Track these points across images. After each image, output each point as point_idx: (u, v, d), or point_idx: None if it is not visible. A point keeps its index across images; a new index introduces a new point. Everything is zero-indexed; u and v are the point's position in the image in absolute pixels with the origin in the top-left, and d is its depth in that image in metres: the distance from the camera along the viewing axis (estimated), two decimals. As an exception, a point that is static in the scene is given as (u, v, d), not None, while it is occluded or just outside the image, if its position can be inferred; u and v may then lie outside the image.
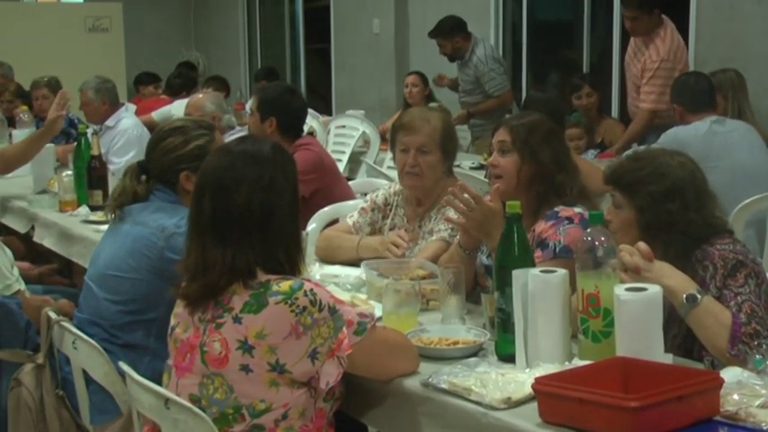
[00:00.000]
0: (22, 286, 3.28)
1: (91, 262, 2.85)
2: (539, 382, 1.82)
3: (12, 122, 6.14)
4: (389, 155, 6.23)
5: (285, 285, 2.01)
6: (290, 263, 2.08)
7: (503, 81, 6.94)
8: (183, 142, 2.79)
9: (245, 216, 2.04)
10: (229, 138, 3.87)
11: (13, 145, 5.20)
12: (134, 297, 2.65)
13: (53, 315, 2.57)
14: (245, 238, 2.04)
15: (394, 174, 5.12)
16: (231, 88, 8.70)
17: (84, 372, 2.43)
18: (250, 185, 2.05)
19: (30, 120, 5.91)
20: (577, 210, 2.69)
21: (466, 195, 2.56)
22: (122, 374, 2.17)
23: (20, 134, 5.48)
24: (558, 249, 2.60)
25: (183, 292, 2.11)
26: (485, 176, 3.58)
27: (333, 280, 2.87)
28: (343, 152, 6.70)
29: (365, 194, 4.23)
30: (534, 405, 1.86)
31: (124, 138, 5.67)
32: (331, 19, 9.66)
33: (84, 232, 3.88)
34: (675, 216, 2.28)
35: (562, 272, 2.14)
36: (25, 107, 6.08)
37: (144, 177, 2.80)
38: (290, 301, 1.99)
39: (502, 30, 8.10)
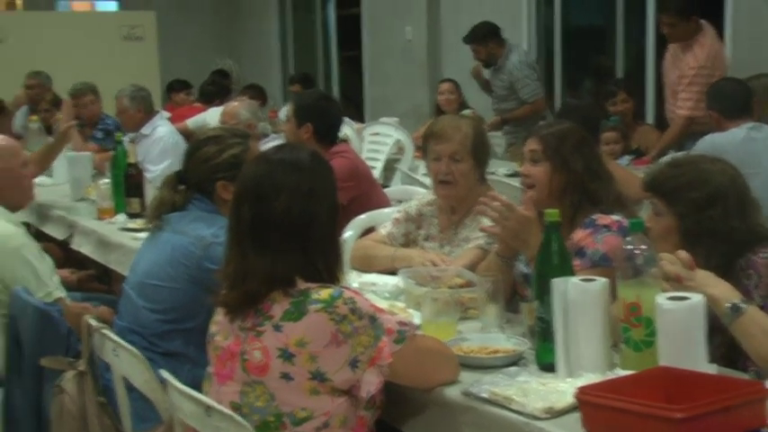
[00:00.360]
0: (63, 293, 3.31)
1: (130, 270, 2.88)
2: (582, 391, 1.81)
3: (49, 131, 6.20)
4: (424, 162, 6.23)
5: (325, 293, 2.02)
6: (330, 271, 2.09)
7: (536, 87, 6.92)
8: (218, 151, 2.81)
9: (285, 224, 2.05)
10: (264, 145, 3.91)
11: (32, 154, 5.27)
12: (173, 306, 2.67)
13: (94, 323, 2.59)
14: (285, 246, 2.04)
15: (428, 181, 5.13)
16: (268, 96, 8.73)
17: (125, 379, 2.45)
18: (289, 194, 2.06)
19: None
20: (615, 217, 2.67)
21: (497, 204, 2.55)
22: (163, 382, 2.19)
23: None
24: (595, 258, 2.58)
25: (223, 300, 2.13)
26: (521, 184, 3.57)
27: (370, 288, 2.87)
28: (378, 159, 6.71)
29: (399, 202, 4.25)
30: (576, 415, 1.85)
31: (160, 146, 5.71)
32: (363, 26, 9.68)
33: (122, 240, 3.91)
34: (717, 223, 2.26)
35: (602, 281, 2.12)
36: (59, 115, 6.14)
37: (182, 187, 2.82)
38: (329, 309, 1.99)
39: (535, 35, 8.08)
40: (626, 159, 5.45)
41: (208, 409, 1.99)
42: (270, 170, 2.11)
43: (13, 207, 3.47)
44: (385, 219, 3.56)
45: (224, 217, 2.66)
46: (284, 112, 8.52)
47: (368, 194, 4.13)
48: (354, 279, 2.98)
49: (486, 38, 6.90)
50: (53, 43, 9.41)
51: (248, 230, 2.08)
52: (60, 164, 5.41)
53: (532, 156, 2.77)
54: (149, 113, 5.91)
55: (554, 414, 1.89)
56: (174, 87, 9.04)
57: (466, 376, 2.15)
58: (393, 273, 3.02)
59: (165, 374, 2.12)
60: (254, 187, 2.10)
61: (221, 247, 2.32)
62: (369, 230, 3.68)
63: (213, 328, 2.19)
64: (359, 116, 9.21)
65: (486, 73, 7.17)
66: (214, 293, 2.18)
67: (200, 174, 2.80)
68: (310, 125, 4.19)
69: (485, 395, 2.01)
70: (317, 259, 2.07)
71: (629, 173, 4.12)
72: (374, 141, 7.07)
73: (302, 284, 2.05)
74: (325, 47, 10.85)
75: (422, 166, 6.25)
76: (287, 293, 2.03)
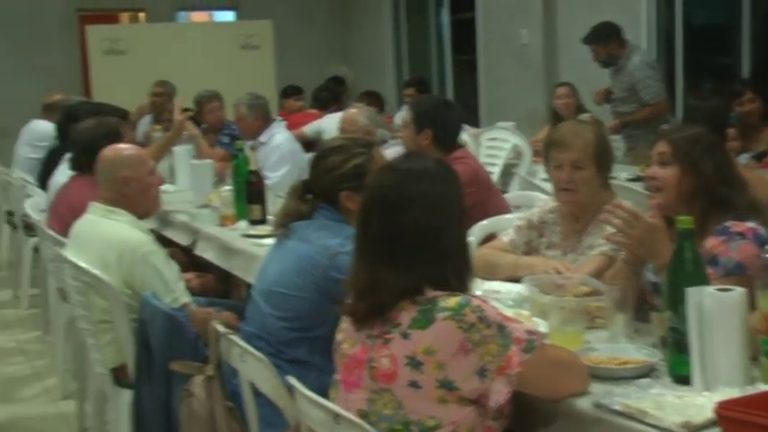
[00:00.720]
0: (189, 299, 3.39)
1: (258, 277, 2.92)
2: (723, 407, 1.75)
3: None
4: (542, 167, 6.16)
5: (452, 301, 2.01)
6: (460, 279, 2.08)
7: (659, 88, 6.76)
8: (342, 161, 2.83)
9: (416, 235, 2.05)
10: (384, 152, 3.92)
11: (151, 148, 5.46)
12: (299, 314, 2.70)
13: (220, 328, 2.64)
14: (415, 257, 2.04)
15: (548, 186, 5.07)
16: (384, 102, 8.77)
17: (252, 385, 2.49)
18: (419, 204, 2.06)
19: (188, 137, 6.11)
20: (749, 224, 2.58)
21: (622, 212, 2.49)
22: (290, 389, 2.21)
23: (180, 151, 5.68)
24: (730, 266, 2.50)
25: (350, 309, 2.14)
26: (645, 188, 3.49)
27: (494, 296, 2.84)
28: (495, 165, 6.67)
29: (519, 207, 4.21)
30: (715, 431, 1.79)
31: (278, 153, 5.79)
32: (477, 30, 9.64)
33: (244, 246, 3.98)
34: None
35: (740, 290, 2.05)
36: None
37: (309, 196, 2.85)
38: (457, 318, 1.98)
39: (655, 36, 7.90)
40: (743, 158, 5.26)
41: (336, 416, 2.00)
42: (398, 180, 2.11)
43: (142, 215, 3.58)
44: (506, 225, 3.53)
45: (350, 226, 2.68)
46: (399, 117, 8.59)
47: (488, 200, 4.10)
48: (477, 287, 2.95)
49: (607, 38, 6.78)
50: (173, 53, 9.68)
51: (378, 241, 2.08)
52: (183, 171, 5.56)
53: (661, 158, 2.69)
54: (267, 121, 6.00)
55: (692, 429, 1.83)
56: (286, 93, 9.14)
57: (596, 387, 2.11)
58: (515, 280, 2.99)
59: (293, 381, 2.14)
60: (383, 198, 2.10)
61: (347, 257, 2.33)
62: (489, 237, 3.66)
63: (340, 336, 2.20)
64: (473, 121, 9.17)
65: (602, 81, 7.05)
66: (340, 303, 2.19)
67: (325, 183, 2.83)
68: (429, 131, 4.19)
69: (617, 407, 1.97)
70: (448, 268, 2.06)
71: (761, 177, 3.98)
72: (491, 146, 7.03)
73: (430, 293, 2.04)
74: (439, 51, 10.84)
75: (540, 171, 6.18)
76: (414, 301, 2.03)
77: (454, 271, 2.07)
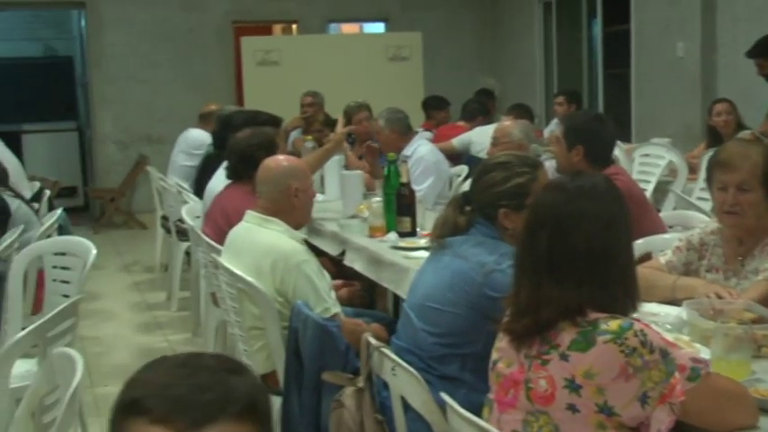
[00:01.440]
0: (339, 309, 3.43)
1: (410, 290, 2.93)
2: None
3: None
4: (698, 185, 5.96)
5: (614, 324, 1.96)
6: (626, 302, 2.04)
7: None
8: (504, 179, 2.80)
9: (586, 255, 2.02)
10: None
11: (307, 157, 5.52)
12: (451, 331, 2.69)
13: (372, 341, 2.65)
14: (583, 277, 2.01)
15: (704, 205, 4.91)
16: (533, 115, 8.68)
17: (403, 399, 2.49)
18: (590, 223, 2.03)
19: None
20: None
21: None
22: (441, 404, 2.20)
23: (331, 161, 5.75)
24: None
25: (509, 327, 2.11)
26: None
27: (651, 318, 2.75)
28: (649, 182, 6.49)
29: (674, 227, 4.07)
30: None
31: (421, 165, 5.78)
32: (631, 42, 9.44)
33: (394, 258, 4.00)
34: None
35: None
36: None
37: (467, 209, 2.84)
38: (619, 341, 1.93)
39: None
40: None
41: (490, 436, 1.98)
42: (568, 199, 2.08)
43: (297, 225, 3.65)
44: (662, 245, 3.43)
45: (506, 244, 2.66)
46: (549, 130, 8.49)
47: (642, 219, 3.98)
48: (634, 308, 2.87)
49: (774, 52, 6.52)
50: (324, 64, 9.86)
51: (545, 260, 2.06)
52: (333, 181, 5.64)
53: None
54: (405, 135, 5.94)
55: None
56: (431, 104, 9.13)
57: (764, 422, 2.01)
58: (673, 303, 2.89)
59: (446, 398, 2.13)
60: (553, 216, 2.08)
61: (502, 275, 2.30)
62: (644, 257, 3.55)
63: (495, 355, 2.18)
64: (625, 136, 8.97)
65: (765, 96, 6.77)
66: (495, 320, 2.17)
67: (485, 199, 2.81)
68: (581, 147, 4.10)
69: (788, 444, 1.87)
70: (616, 289, 2.03)
71: None
72: (645, 163, 6.85)
73: (592, 314, 2.00)
74: (590, 64, 10.67)
75: (696, 189, 6.00)
76: (575, 323, 2.00)
77: (624, 292, 2.04)
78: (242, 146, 4.47)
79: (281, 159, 3.78)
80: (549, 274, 2.04)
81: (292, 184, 3.63)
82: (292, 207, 3.61)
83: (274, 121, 5.23)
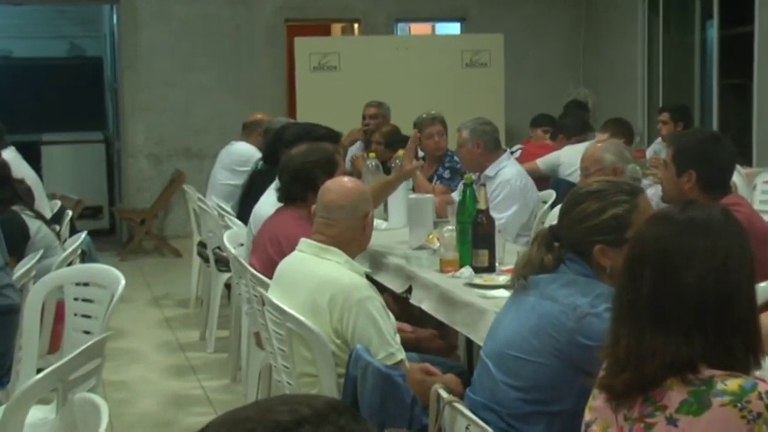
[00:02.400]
0: (404, 355, 3.43)
1: (489, 336, 2.92)
2: None
3: (385, 167, 6.47)
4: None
5: (733, 384, 1.94)
6: (748, 357, 2.00)
7: None
8: (599, 210, 2.79)
9: (697, 299, 2.00)
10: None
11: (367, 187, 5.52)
12: (537, 384, 2.69)
13: (444, 393, 2.65)
14: (694, 324, 1.99)
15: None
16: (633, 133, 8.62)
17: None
18: (703, 261, 2.01)
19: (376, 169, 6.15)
20: None
21: None
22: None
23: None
24: None
25: (606, 383, 2.10)
26: None
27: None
28: (773, 213, 6.40)
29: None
30: None
31: (506, 190, 5.76)
32: (755, 47, 9.32)
33: (469, 297, 3.99)
34: None
35: None
36: (401, 152, 6.33)
37: (556, 244, 2.83)
38: (740, 405, 1.91)
39: None
40: None
41: None
42: (677, 232, 2.07)
43: (354, 255, 3.67)
44: (790, 289, 3.37)
45: (602, 284, 2.64)
46: (652, 150, 8.41)
47: (766, 257, 3.92)
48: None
49: None
50: (390, 71, 9.93)
51: (648, 303, 2.04)
52: (398, 206, 5.65)
53: None
54: (492, 152, 5.91)
55: None
56: (537, 122, 9.09)
57: None
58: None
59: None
60: (658, 253, 2.06)
61: (598, 320, 2.28)
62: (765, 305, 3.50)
63: (589, 416, 2.16)
64: (745, 158, 8.85)
65: None
66: (589, 374, 2.16)
67: (577, 233, 2.80)
68: (693, 172, 4.06)
69: None
70: (734, 341, 2.00)
71: None
72: (768, 191, 6.77)
73: (706, 371, 1.98)
74: (703, 73, 10.56)
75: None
76: (686, 380, 1.97)
77: (741, 345, 2.01)
78: (296, 163, 4.51)
79: (349, 181, 3.84)
80: (654, 322, 2.02)
81: (368, 209, 3.69)
82: (361, 235, 3.67)
83: (333, 137, 5.26)
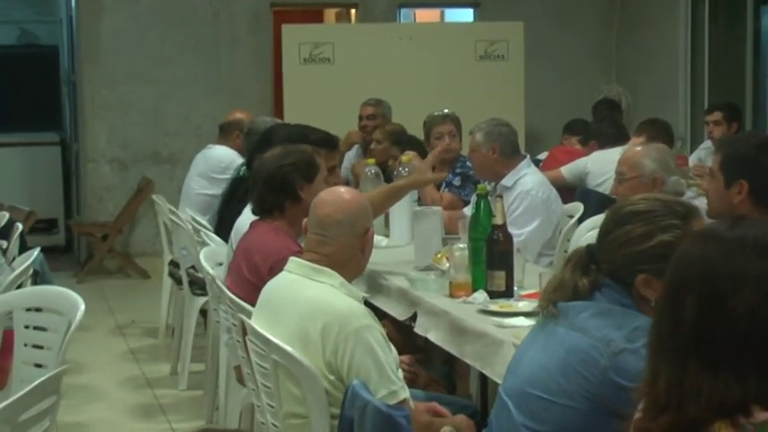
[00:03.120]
0: (407, 393, 3.43)
1: (509, 372, 2.93)
2: None
3: (385, 174, 6.47)
4: None
5: (793, 429, 1.94)
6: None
7: None
8: (645, 235, 2.79)
9: (749, 330, 1.99)
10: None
11: (370, 194, 5.50)
12: (563, 429, 2.69)
13: (455, 438, 2.66)
14: (747, 362, 1.99)
15: None
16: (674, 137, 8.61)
17: None
18: (755, 287, 2.00)
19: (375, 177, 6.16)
20: None
21: None
22: None
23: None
24: None
25: (642, 426, 2.09)
26: None
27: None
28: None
29: None
30: None
31: (526, 202, 5.75)
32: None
33: (483, 327, 3.99)
34: None
35: None
36: (407, 156, 6.29)
37: (593, 267, 2.83)
38: (799, 453, 1.91)
39: None
40: None
41: None
42: (724, 253, 2.06)
43: (351, 278, 3.67)
44: None
45: (643, 316, 2.64)
46: (696, 157, 8.41)
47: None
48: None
49: None
50: (390, 64, 9.92)
51: (692, 335, 2.04)
52: (401, 220, 5.66)
53: None
54: (509, 158, 5.90)
55: None
56: (570, 128, 9.06)
57: None
58: None
59: None
60: (703, 277, 2.06)
61: (635, 357, 2.29)
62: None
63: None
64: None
65: None
66: (623, 417, 2.16)
67: (617, 259, 2.81)
68: (745, 183, 4.08)
69: None
70: (791, 379, 1.99)
71: None
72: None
73: (759, 413, 1.97)
74: (755, 67, 10.58)
75: None
76: (736, 425, 1.97)
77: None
78: (270, 168, 4.50)
79: (347, 192, 3.83)
80: (697, 356, 2.01)
81: (368, 225, 3.69)
82: (360, 255, 3.68)
83: (329, 142, 5.24)
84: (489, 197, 4.68)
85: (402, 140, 7.23)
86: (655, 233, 2.79)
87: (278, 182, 4.44)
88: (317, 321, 3.43)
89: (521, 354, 2.93)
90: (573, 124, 9.08)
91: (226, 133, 7.90)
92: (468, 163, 6.55)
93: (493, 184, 5.83)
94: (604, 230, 2.89)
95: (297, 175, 4.41)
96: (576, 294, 2.82)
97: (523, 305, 4.09)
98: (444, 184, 6.63)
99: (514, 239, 5.12)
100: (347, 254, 3.64)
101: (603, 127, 8.26)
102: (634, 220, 2.84)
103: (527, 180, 5.87)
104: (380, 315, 4.85)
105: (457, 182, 6.67)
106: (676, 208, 2.89)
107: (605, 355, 2.64)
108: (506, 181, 5.85)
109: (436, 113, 6.90)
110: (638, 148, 5.20)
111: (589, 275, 2.84)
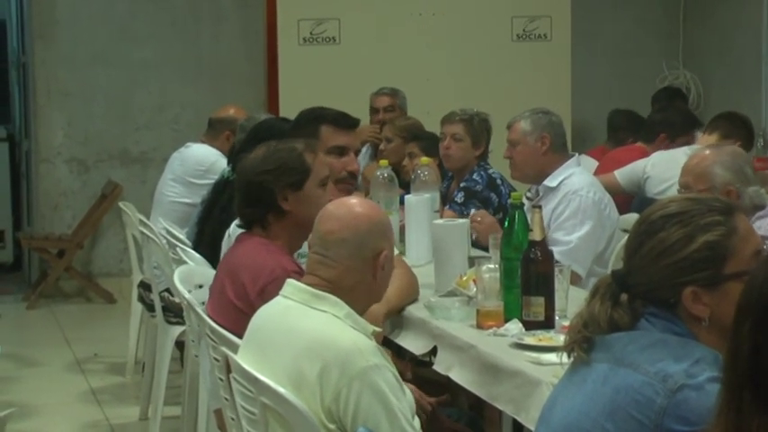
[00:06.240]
0: (423, 443, 3.46)
1: (542, 418, 2.94)
2: None
3: (399, 179, 6.49)
4: None
5: None
6: None
7: None
8: (685, 239, 2.78)
9: None
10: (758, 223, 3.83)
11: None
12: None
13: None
14: None
15: None
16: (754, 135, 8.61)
17: None
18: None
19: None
20: None
21: None
22: None
23: (414, 203, 5.77)
24: None
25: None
26: None
27: None
28: None
29: None
30: None
31: (574, 203, 5.75)
32: None
33: (518, 364, 4.00)
34: None
35: None
36: (426, 160, 6.33)
37: (624, 296, 2.84)
38: None
39: None
40: None
41: None
42: None
43: (363, 309, 3.68)
44: None
45: (701, 345, 2.66)
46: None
47: None
48: None
49: None
50: (408, 46, 9.91)
51: (746, 368, 2.07)
52: (418, 234, 5.68)
53: None
54: (559, 152, 5.92)
55: None
56: (616, 123, 9.07)
57: None
58: None
59: None
60: (762, 300, 2.09)
61: (698, 394, 2.32)
62: None
63: None
64: None
65: None
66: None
67: (654, 275, 2.80)
68: None
69: None
70: None
71: None
72: None
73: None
74: None
75: None
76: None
77: None
78: (247, 176, 4.48)
79: (359, 204, 3.77)
80: (752, 393, 2.05)
81: (381, 247, 3.65)
82: (372, 282, 3.66)
83: (345, 120, 5.25)
84: (525, 209, 4.68)
85: (420, 136, 7.24)
86: (696, 235, 2.77)
87: (254, 192, 4.42)
88: (315, 361, 3.41)
89: (554, 399, 2.92)
90: (614, 116, 9.12)
91: (215, 131, 7.90)
92: (474, 176, 6.58)
93: (532, 188, 5.86)
94: (633, 247, 2.85)
95: (279, 183, 4.35)
96: (614, 327, 2.82)
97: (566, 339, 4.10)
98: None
99: (562, 248, 5.13)
100: (353, 279, 3.60)
101: (671, 116, 8.28)
102: (668, 225, 2.81)
103: (575, 180, 5.93)
104: (395, 349, 4.88)
105: (460, 198, 6.65)
106: (714, 204, 2.85)
107: (662, 394, 2.65)
108: (550, 181, 5.89)
109: (455, 113, 6.88)
110: (708, 152, 5.10)
111: (623, 305, 2.83)
